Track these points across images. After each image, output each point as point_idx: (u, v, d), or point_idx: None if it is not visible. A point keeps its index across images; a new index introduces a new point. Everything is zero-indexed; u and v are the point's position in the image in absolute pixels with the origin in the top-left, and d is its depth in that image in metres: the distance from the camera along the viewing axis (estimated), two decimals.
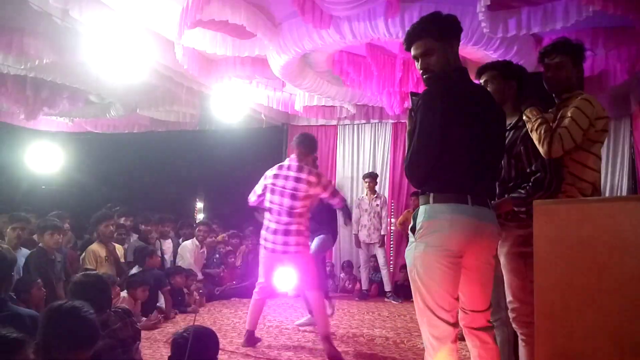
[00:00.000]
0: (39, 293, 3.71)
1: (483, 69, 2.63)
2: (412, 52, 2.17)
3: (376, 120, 7.83)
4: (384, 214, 6.82)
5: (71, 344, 1.93)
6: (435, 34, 2.11)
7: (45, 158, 8.72)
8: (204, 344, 2.02)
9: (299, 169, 3.81)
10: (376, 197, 6.85)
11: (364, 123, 7.97)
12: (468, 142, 2.04)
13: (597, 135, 2.39)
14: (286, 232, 3.74)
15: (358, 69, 5.37)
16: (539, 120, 2.36)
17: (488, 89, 2.50)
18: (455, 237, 1.98)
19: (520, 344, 2.48)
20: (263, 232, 3.89)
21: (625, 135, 6.55)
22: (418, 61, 2.16)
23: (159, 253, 6.30)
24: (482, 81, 2.60)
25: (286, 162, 3.93)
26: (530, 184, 2.40)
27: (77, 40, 4.65)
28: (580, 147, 2.38)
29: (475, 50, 4.43)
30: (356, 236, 6.91)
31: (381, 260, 6.75)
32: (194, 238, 6.51)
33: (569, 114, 2.36)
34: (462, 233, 1.98)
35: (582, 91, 2.49)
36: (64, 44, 4.87)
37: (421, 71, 2.16)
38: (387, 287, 6.73)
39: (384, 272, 6.75)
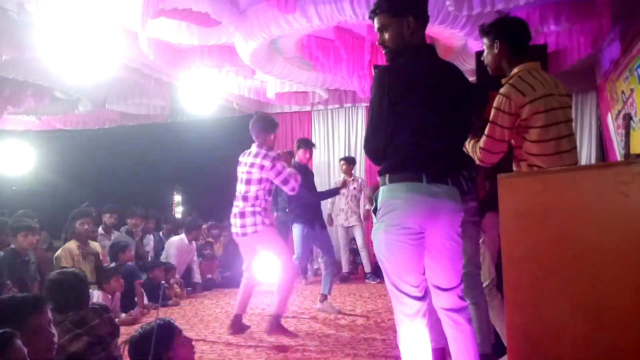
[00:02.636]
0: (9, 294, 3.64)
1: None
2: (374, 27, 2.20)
3: (349, 105, 7.84)
4: (361, 196, 6.84)
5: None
6: (388, 10, 2.12)
7: (14, 158, 8.51)
8: (155, 338, 2.06)
9: (256, 154, 3.86)
10: (352, 179, 6.85)
11: (338, 108, 7.98)
12: (420, 120, 2.04)
13: (528, 122, 2.19)
14: (242, 215, 3.82)
15: (327, 53, 5.35)
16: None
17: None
18: (411, 215, 2.01)
19: (471, 308, 2.55)
20: None
21: (592, 108, 6.69)
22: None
23: (148, 248, 6.26)
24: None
25: (251, 148, 3.97)
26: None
27: (37, 35, 4.52)
28: (518, 142, 2.25)
29: (442, 30, 4.44)
30: (329, 215, 6.93)
31: (360, 242, 6.79)
32: (183, 234, 6.43)
33: (490, 116, 2.23)
34: (417, 211, 2.01)
35: (518, 69, 2.26)
36: (22, 39, 4.72)
37: (381, 46, 2.19)
38: (367, 268, 6.79)
39: (363, 254, 6.80)
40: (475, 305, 2.58)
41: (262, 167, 3.78)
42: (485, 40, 2.37)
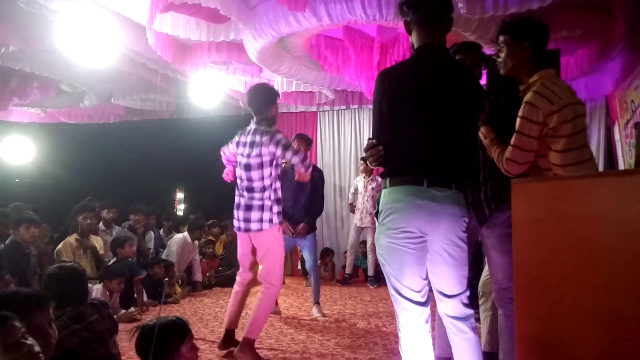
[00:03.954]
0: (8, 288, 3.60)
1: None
2: None
3: (356, 106, 7.78)
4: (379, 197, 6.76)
5: None
6: (400, 14, 2.19)
7: (18, 150, 8.50)
8: (167, 334, 2.00)
9: (254, 131, 3.30)
10: (372, 179, 6.76)
11: (344, 109, 7.92)
12: (421, 123, 2.01)
13: (555, 131, 2.12)
14: (247, 208, 3.30)
15: (336, 53, 5.29)
16: (493, 142, 2.27)
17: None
18: (411, 219, 1.98)
19: (503, 318, 2.48)
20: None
21: (601, 117, 6.62)
22: None
23: (150, 244, 6.21)
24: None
25: (249, 125, 3.40)
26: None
27: (45, 26, 4.49)
28: (544, 150, 2.18)
29: (452, 32, 4.38)
30: (350, 204, 6.88)
31: (369, 244, 6.72)
32: (186, 233, 6.37)
33: (517, 125, 2.17)
34: (417, 214, 1.97)
35: (538, 76, 2.17)
36: (30, 30, 4.69)
37: None
38: (370, 272, 6.73)
39: (370, 257, 6.73)
40: (507, 316, 2.46)
41: (262, 144, 3.21)
42: (507, 37, 2.24)
